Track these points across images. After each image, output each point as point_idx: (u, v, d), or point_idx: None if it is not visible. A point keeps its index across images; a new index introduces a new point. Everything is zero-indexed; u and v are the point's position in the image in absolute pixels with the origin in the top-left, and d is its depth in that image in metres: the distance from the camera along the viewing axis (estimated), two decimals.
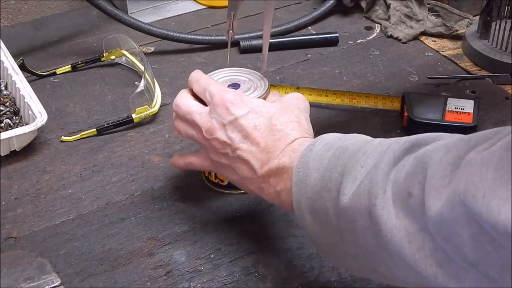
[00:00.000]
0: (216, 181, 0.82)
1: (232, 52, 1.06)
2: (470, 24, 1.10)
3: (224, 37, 1.09)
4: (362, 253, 0.57)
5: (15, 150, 0.88)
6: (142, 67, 0.99)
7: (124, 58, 1.05)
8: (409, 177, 0.52)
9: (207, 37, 1.09)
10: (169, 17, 1.18)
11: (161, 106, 0.96)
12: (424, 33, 1.13)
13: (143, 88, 0.92)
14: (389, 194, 0.53)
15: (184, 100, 0.73)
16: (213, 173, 0.82)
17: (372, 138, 0.63)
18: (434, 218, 0.48)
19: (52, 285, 0.68)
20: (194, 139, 0.73)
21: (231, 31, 0.80)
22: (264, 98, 0.75)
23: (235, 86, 0.77)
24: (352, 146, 0.61)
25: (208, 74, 0.78)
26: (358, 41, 1.13)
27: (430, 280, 0.50)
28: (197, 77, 0.74)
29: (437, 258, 0.50)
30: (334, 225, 0.59)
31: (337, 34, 1.11)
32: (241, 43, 1.08)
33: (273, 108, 0.70)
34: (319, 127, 0.89)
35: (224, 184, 0.82)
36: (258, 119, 0.69)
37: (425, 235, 0.50)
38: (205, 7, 1.22)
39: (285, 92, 0.94)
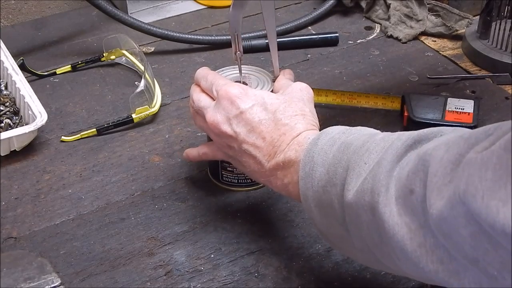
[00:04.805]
0: (220, 177, 0.83)
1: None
2: (470, 24, 1.10)
3: (224, 37, 1.09)
4: (367, 246, 0.58)
5: (15, 150, 0.88)
6: (142, 67, 0.99)
7: (124, 58, 1.05)
8: (411, 175, 0.52)
9: (207, 37, 1.09)
10: (169, 17, 1.18)
11: (161, 106, 0.96)
12: (424, 33, 1.13)
13: (143, 88, 0.92)
14: (392, 192, 0.54)
15: (196, 95, 0.75)
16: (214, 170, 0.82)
17: (376, 131, 0.64)
18: (435, 216, 0.49)
19: (52, 285, 0.68)
20: (206, 131, 0.75)
21: (238, 52, 0.78)
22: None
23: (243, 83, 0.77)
24: (356, 141, 0.62)
25: (217, 71, 0.79)
26: (358, 41, 1.13)
27: (432, 275, 0.52)
28: (204, 74, 0.75)
29: (438, 254, 0.51)
30: (340, 219, 0.60)
31: (337, 34, 1.11)
32: None
33: (277, 100, 0.71)
34: (319, 128, 0.88)
35: (228, 181, 0.83)
36: (263, 113, 0.70)
37: (426, 232, 0.51)
38: (205, 7, 1.22)
39: None
